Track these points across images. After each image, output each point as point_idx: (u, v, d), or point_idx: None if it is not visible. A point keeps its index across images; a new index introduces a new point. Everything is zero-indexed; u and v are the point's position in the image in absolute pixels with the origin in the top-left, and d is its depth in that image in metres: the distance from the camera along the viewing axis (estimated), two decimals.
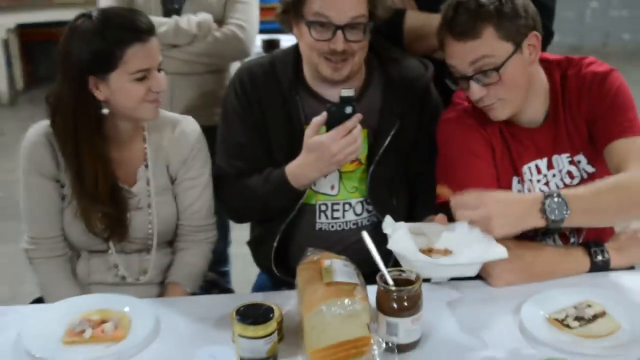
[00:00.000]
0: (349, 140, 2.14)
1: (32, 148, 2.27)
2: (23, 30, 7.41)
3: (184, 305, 2.16)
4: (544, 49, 2.34)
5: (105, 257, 2.36)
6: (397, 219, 2.23)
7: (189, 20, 2.96)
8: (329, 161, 2.17)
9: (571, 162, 2.29)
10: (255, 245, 2.52)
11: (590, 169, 2.29)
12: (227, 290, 2.65)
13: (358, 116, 2.16)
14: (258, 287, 2.60)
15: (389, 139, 2.31)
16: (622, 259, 2.22)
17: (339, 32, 2.18)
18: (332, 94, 2.30)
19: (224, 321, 2.00)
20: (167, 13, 3.02)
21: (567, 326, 1.95)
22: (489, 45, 2.11)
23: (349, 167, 2.34)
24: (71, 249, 2.38)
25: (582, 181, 2.28)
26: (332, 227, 2.39)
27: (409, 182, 2.42)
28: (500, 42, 2.12)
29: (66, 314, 2.05)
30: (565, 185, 2.28)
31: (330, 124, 2.17)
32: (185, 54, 2.97)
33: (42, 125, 2.28)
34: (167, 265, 2.42)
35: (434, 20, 2.58)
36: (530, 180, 2.28)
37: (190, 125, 2.37)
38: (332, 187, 2.36)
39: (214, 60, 3.06)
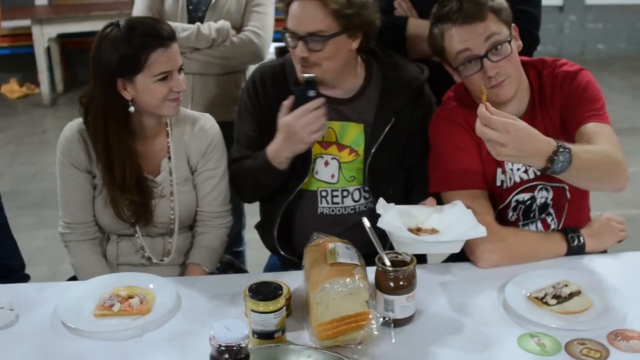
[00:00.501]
0: (308, 120, 2.14)
1: (67, 143, 2.27)
2: (63, 39, 7.39)
3: (203, 284, 2.15)
4: (530, 54, 2.32)
5: (132, 240, 2.35)
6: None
7: (210, 27, 2.96)
8: (293, 139, 2.17)
9: None
10: (262, 228, 2.52)
11: None
12: (242, 270, 2.64)
13: (320, 100, 2.16)
14: (269, 268, 2.58)
15: (384, 133, 2.30)
16: (596, 244, 2.21)
17: (300, 42, 2.18)
18: (330, 92, 2.30)
19: (238, 298, 1.99)
20: (191, 20, 3.03)
21: (546, 303, 1.94)
22: (495, 25, 2.12)
23: (347, 158, 2.34)
24: (102, 232, 2.37)
25: None
26: (332, 211, 2.38)
27: (405, 173, 2.40)
28: (500, 24, 2.13)
29: (97, 290, 2.04)
30: (544, 174, 2.25)
31: (295, 106, 2.17)
32: (205, 57, 2.97)
33: (76, 123, 2.28)
34: (188, 248, 2.41)
35: None
36: (511, 170, 2.26)
37: (209, 122, 2.36)
38: (332, 176, 2.35)
39: (231, 62, 3.05)
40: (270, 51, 3.87)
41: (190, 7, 3.05)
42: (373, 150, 2.30)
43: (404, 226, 1.99)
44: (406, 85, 2.33)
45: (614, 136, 2.15)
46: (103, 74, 2.15)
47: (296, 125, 2.15)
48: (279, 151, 2.23)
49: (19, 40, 7.20)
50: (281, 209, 2.38)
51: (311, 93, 2.16)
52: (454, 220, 2.06)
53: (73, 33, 6.98)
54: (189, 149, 2.32)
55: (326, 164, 2.35)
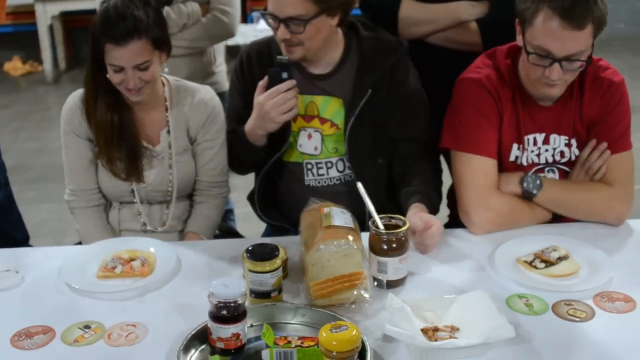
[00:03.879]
0: (278, 101, 2.20)
1: (69, 112, 2.33)
2: (66, 17, 7.42)
3: (202, 247, 2.20)
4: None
5: (131, 207, 2.40)
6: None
7: (179, 11, 2.96)
8: (265, 118, 2.23)
9: (567, 144, 2.29)
10: (250, 198, 2.57)
11: (577, 152, 2.29)
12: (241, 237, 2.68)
13: (291, 81, 2.22)
14: (266, 235, 2.63)
15: (360, 106, 2.31)
16: None
17: (281, 25, 2.19)
18: (312, 67, 2.35)
19: (236, 261, 2.05)
20: (158, 0, 3.00)
21: (535, 267, 1.99)
22: (586, 39, 2.04)
23: (329, 131, 2.37)
24: (106, 200, 2.42)
25: (570, 162, 2.29)
26: (319, 183, 2.42)
27: (394, 143, 2.40)
28: (591, 38, 2.06)
29: (100, 253, 2.10)
30: (555, 161, 2.29)
31: (269, 86, 2.23)
32: (177, 41, 2.93)
33: (78, 93, 2.34)
34: (186, 216, 2.46)
35: (428, 9, 2.59)
36: (526, 150, 2.28)
37: (209, 94, 2.40)
38: (316, 148, 2.39)
39: (203, 44, 3.10)
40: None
41: None
42: (351, 124, 2.32)
43: (417, 328, 1.71)
44: (382, 59, 2.34)
45: (629, 166, 2.26)
46: (90, 39, 2.20)
47: (267, 105, 2.21)
48: (253, 129, 2.30)
49: (22, 18, 7.22)
50: (258, 179, 2.46)
51: (284, 75, 2.22)
52: (477, 316, 1.76)
53: (76, 11, 7.00)
54: (189, 120, 2.37)
55: (309, 136, 2.39)
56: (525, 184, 2.20)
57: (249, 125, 2.31)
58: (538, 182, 2.19)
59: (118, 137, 2.28)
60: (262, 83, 2.25)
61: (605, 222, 2.24)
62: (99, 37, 2.15)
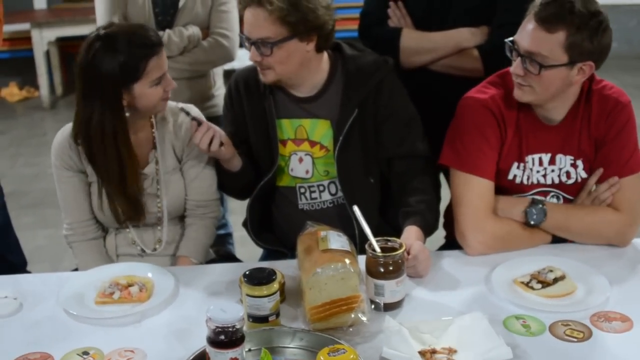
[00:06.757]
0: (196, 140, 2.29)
1: (59, 147, 2.35)
2: (62, 43, 7.43)
3: (199, 272, 2.21)
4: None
5: (126, 234, 2.41)
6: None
7: (180, 34, 2.99)
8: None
9: (572, 165, 2.28)
10: (245, 225, 2.57)
11: (584, 175, 2.29)
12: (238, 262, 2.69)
13: (192, 123, 2.31)
14: (263, 259, 2.63)
15: (347, 126, 2.33)
16: None
17: (252, 47, 2.25)
18: (296, 91, 2.37)
19: (233, 285, 2.05)
20: (158, 24, 3.04)
21: (531, 288, 2.00)
22: (551, 46, 2.07)
23: (319, 154, 2.40)
24: (103, 230, 2.43)
25: (576, 184, 2.29)
26: (312, 207, 2.44)
27: (387, 162, 2.41)
28: (561, 49, 2.06)
29: (98, 279, 2.11)
30: (561, 182, 2.29)
31: None
32: (177, 63, 2.99)
33: (67, 128, 2.35)
34: (179, 240, 2.46)
35: (428, 38, 2.60)
36: (531, 169, 2.28)
37: (192, 112, 2.39)
38: (307, 172, 2.42)
39: (203, 67, 3.13)
40: None
41: (157, 10, 3.05)
42: (339, 145, 2.34)
43: (415, 350, 1.73)
44: (367, 77, 2.35)
45: (637, 189, 2.25)
46: (105, 87, 2.18)
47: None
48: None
49: (19, 44, 7.25)
50: (249, 205, 2.50)
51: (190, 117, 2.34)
52: (475, 338, 1.77)
53: (72, 36, 7.02)
54: (174, 139, 2.38)
55: (300, 160, 2.41)
56: (528, 216, 2.21)
57: None
58: (543, 215, 2.20)
59: (130, 176, 2.29)
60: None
61: (611, 244, 2.24)
62: (139, 60, 2.17)
